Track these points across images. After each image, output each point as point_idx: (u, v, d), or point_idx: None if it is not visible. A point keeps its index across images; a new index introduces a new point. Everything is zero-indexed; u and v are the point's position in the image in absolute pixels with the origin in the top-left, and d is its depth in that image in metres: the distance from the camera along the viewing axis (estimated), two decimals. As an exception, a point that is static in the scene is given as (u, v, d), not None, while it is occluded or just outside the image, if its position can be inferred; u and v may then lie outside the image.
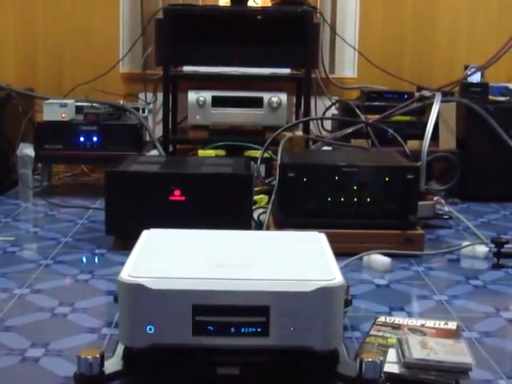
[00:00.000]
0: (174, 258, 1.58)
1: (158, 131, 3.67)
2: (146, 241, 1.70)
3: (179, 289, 1.40)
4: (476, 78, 3.58)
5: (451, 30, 3.89)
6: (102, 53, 3.82)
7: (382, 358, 1.41)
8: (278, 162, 2.57)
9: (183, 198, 2.43)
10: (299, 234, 1.79)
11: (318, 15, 3.66)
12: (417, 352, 1.56)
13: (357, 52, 3.85)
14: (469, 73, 3.60)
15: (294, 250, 1.66)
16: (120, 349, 1.50)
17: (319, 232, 1.80)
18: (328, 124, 3.73)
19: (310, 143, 3.35)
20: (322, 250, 1.66)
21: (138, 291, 1.40)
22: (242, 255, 1.61)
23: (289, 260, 1.59)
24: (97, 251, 2.48)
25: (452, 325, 1.79)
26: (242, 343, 1.43)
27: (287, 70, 3.50)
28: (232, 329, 1.42)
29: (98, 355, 1.40)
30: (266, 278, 1.44)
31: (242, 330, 1.42)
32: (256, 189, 2.81)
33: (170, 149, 3.52)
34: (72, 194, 3.36)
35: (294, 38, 3.39)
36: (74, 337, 1.76)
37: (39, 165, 3.46)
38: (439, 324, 1.79)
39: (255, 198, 2.76)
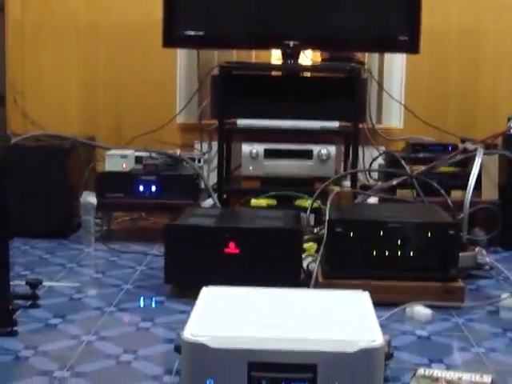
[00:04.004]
0: (231, 317, 1.75)
1: (212, 178, 3.86)
2: (205, 299, 1.87)
3: (237, 348, 1.57)
4: (519, 130, 3.70)
5: (495, 83, 4.03)
6: (159, 103, 4.04)
7: (418, 413, 1.56)
8: (327, 217, 2.71)
9: (237, 251, 2.60)
10: (344, 293, 1.96)
11: (366, 70, 3.82)
12: (451, 406, 1.70)
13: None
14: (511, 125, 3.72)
15: (339, 310, 1.83)
16: (182, 399, 1.67)
17: (364, 287, 1.97)
18: (375, 173, 3.88)
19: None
20: (364, 309, 1.82)
21: (199, 349, 1.57)
22: (291, 314, 1.78)
23: (334, 320, 1.75)
24: (156, 298, 2.66)
25: (487, 378, 1.90)
26: (293, 397, 1.60)
27: (336, 124, 3.62)
28: (283, 384, 1.59)
29: (162, 405, 1.57)
30: (313, 339, 1.61)
31: (292, 385, 1.59)
32: (305, 237, 2.96)
33: (224, 196, 3.69)
34: (131, 238, 3.54)
35: (343, 93, 3.54)
36: (138, 384, 1.93)
37: (100, 211, 3.65)
38: (475, 377, 1.91)
39: (304, 245, 2.91)
